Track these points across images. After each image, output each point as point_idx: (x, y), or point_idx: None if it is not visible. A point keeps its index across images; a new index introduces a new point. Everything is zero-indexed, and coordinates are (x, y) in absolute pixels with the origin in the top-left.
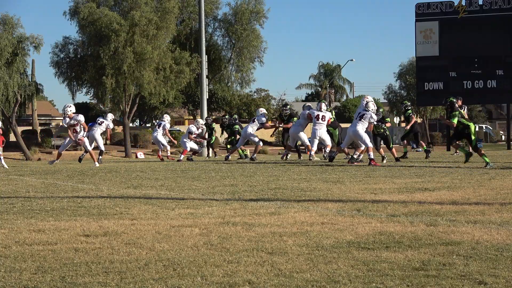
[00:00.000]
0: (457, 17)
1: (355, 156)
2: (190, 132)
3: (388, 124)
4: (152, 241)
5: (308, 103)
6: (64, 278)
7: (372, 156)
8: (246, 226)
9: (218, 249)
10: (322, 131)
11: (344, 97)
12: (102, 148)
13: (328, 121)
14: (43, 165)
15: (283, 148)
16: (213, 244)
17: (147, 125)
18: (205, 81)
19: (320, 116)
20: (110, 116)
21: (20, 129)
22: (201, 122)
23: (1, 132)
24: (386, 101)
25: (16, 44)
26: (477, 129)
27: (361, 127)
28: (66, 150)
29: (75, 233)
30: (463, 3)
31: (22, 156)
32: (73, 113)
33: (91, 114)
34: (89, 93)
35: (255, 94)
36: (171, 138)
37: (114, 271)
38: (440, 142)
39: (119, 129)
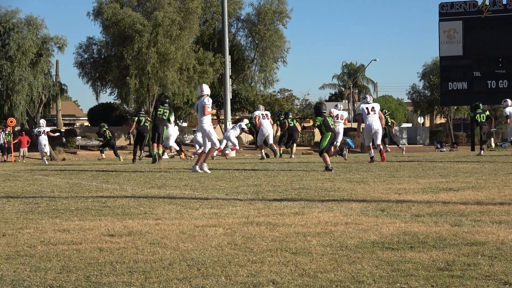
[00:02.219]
0: (481, 16)
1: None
2: (242, 129)
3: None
4: (176, 241)
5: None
6: (88, 278)
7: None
8: (270, 226)
9: (242, 249)
10: (339, 129)
11: None
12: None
13: (345, 120)
14: (68, 165)
15: (308, 148)
16: (237, 244)
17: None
18: (228, 81)
19: (339, 115)
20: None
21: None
22: (246, 121)
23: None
24: (410, 101)
25: (40, 45)
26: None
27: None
28: (90, 150)
29: (99, 233)
30: (487, 2)
31: (47, 156)
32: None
33: (115, 114)
34: (113, 93)
35: (279, 94)
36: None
37: (138, 271)
38: (465, 142)
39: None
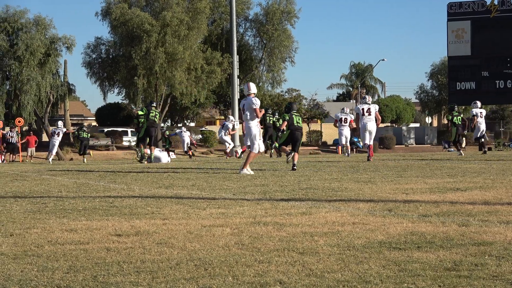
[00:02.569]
0: (489, 16)
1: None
2: (227, 128)
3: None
4: (183, 240)
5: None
6: (96, 278)
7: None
8: (277, 226)
9: (249, 249)
10: (346, 132)
11: (376, 97)
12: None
13: (351, 121)
14: (76, 165)
15: (315, 147)
16: (244, 244)
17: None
18: (236, 81)
19: (343, 119)
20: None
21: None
22: (232, 118)
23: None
24: (418, 101)
25: (48, 45)
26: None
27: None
28: (98, 150)
29: (107, 233)
30: (495, 2)
31: (55, 156)
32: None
33: (122, 114)
34: (120, 93)
35: (286, 94)
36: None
37: (145, 271)
38: (472, 142)
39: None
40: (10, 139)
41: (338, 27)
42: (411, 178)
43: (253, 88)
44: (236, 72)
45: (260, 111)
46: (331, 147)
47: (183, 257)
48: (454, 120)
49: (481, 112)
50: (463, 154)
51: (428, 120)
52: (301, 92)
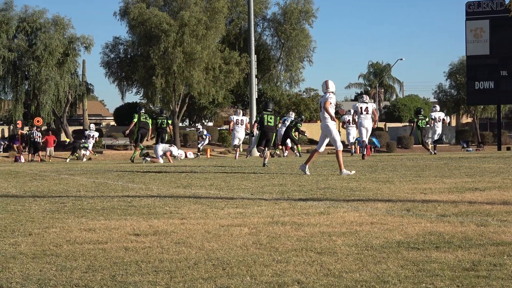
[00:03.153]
0: (508, 15)
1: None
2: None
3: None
4: (201, 240)
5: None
6: (114, 277)
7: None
8: (295, 226)
9: (267, 249)
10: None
11: (394, 97)
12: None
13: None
14: (94, 164)
15: (333, 147)
16: (262, 244)
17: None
18: (254, 81)
19: (349, 120)
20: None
21: (71, 129)
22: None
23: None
24: (436, 100)
25: (67, 45)
26: None
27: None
28: (116, 149)
29: (125, 232)
30: None
31: (74, 156)
32: None
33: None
34: (139, 93)
35: (304, 93)
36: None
37: (163, 270)
38: (491, 142)
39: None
40: (37, 138)
41: (356, 26)
42: (429, 178)
43: (331, 86)
44: (254, 71)
45: (330, 108)
46: (349, 147)
47: (201, 257)
48: (418, 123)
49: (439, 117)
50: (433, 153)
51: (447, 119)
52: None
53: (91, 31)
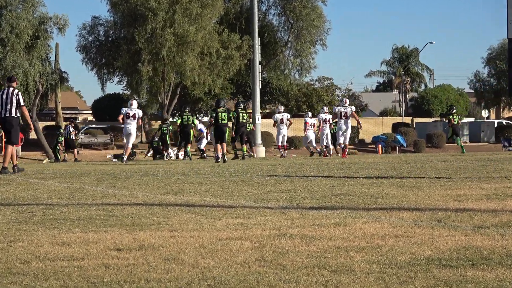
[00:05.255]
0: None
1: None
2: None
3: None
4: (195, 256)
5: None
6: None
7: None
8: (305, 239)
9: (272, 266)
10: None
11: (423, 87)
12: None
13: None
14: (68, 166)
15: (351, 146)
16: (267, 261)
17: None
18: (258, 68)
19: (311, 124)
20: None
21: (41, 124)
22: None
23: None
24: (472, 91)
25: (37, 26)
26: None
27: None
28: (95, 148)
29: (105, 247)
30: None
31: (44, 156)
32: None
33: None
34: (121, 83)
35: (317, 83)
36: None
37: None
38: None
39: (156, 124)
40: None
41: (378, 4)
42: (464, 183)
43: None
44: (257, 57)
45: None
46: (370, 146)
47: (195, 276)
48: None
49: (328, 119)
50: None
51: (484, 114)
52: (334, 80)
53: (66, 10)
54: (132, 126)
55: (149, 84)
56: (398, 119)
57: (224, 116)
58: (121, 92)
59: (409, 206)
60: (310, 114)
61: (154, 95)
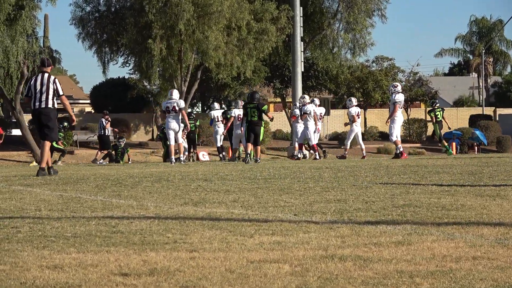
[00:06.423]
0: None
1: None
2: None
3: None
4: (220, 283)
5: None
6: None
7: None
8: (359, 262)
9: None
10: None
11: (509, 68)
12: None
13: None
14: (61, 170)
15: (418, 145)
16: None
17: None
18: (299, 46)
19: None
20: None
21: (27, 117)
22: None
23: None
24: None
25: None
26: None
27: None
28: (93, 147)
29: (107, 271)
30: None
31: (30, 157)
32: None
33: (130, 95)
34: (128, 64)
35: (374, 64)
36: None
37: None
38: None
39: None
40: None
41: None
42: None
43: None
44: (299, 32)
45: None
46: (440, 145)
47: None
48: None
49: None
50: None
51: None
52: (396, 61)
53: None
54: (174, 122)
55: (162, 66)
56: (477, 110)
57: (254, 112)
58: (126, 77)
59: (491, 220)
60: (354, 101)
61: (168, 80)
